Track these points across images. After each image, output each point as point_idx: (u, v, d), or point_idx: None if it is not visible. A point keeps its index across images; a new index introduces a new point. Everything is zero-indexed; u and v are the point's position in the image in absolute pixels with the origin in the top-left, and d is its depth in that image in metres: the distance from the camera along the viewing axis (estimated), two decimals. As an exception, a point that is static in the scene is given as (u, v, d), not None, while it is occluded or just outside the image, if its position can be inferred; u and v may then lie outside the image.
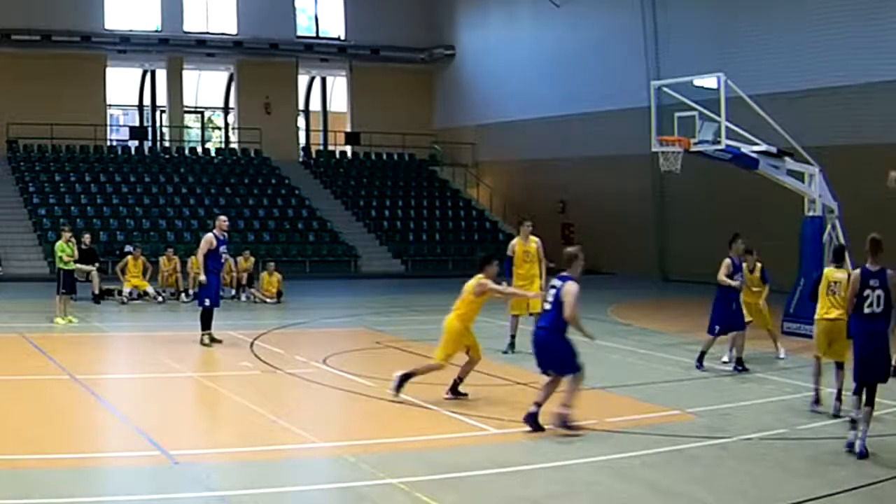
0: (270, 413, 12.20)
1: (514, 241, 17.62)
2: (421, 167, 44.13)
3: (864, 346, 10.54)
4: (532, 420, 11.27)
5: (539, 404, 11.36)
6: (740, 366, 15.69)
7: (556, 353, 11.53)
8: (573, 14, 37.34)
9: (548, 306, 11.64)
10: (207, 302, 17.66)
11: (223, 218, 18.49)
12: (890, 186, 17.04)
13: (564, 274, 11.62)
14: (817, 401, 12.70)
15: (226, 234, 18.31)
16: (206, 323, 17.71)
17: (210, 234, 18.05)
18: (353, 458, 10.09)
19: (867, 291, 10.42)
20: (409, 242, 37.99)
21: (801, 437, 11.26)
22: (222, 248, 18.03)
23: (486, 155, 43.14)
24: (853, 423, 10.41)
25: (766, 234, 28.18)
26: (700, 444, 10.96)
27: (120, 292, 25.23)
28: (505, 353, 17.00)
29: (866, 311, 10.45)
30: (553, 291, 11.62)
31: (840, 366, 12.41)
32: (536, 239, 17.55)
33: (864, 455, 10.13)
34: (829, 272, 12.73)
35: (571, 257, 11.76)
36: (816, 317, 12.63)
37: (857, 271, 10.58)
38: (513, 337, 17.28)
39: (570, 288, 11.35)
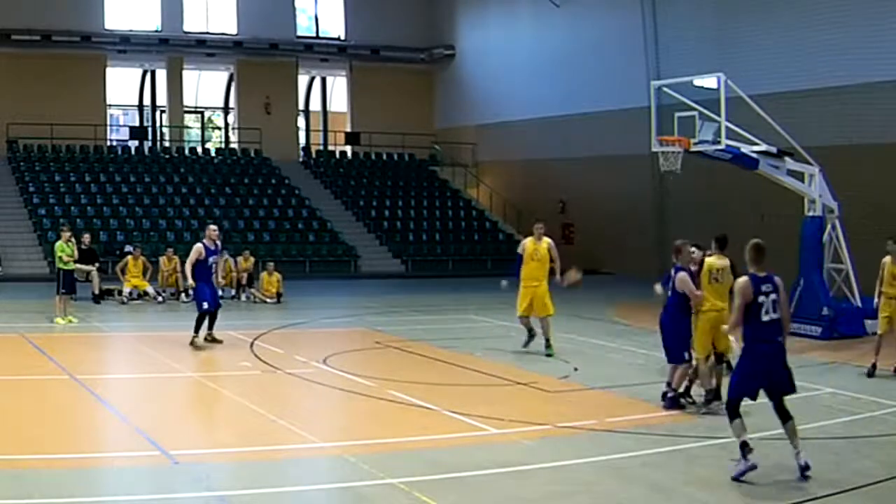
0: (270, 413, 12.20)
1: (526, 240, 17.50)
2: (421, 167, 44.10)
3: (761, 357, 9.69)
4: (670, 402, 12.65)
5: (670, 385, 12.76)
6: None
7: (667, 338, 12.79)
8: (573, 14, 37.34)
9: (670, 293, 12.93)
10: (206, 305, 17.40)
11: (213, 227, 18.16)
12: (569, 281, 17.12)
13: (677, 265, 12.78)
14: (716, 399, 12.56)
15: (217, 243, 17.95)
16: (200, 325, 17.44)
17: (199, 245, 17.69)
18: (352, 458, 10.09)
19: (761, 298, 9.68)
20: (409, 242, 37.97)
21: (801, 437, 11.24)
22: (212, 259, 17.69)
23: (486, 155, 43.13)
24: (745, 447, 9.54)
25: (765, 234, 28.25)
26: (700, 444, 10.96)
27: (120, 292, 25.23)
28: (549, 356, 16.84)
29: (764, 318, 9.63)
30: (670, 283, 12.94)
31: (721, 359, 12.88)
32: (549, 240, 17.38)
33: (807, 469, 9.51)
34: (711, 261, 12.91)
35: (677, 250, 12.92)
36: (703, 308, 12.63)
37: (746, 279, 9.81)
38: (530, 331, 17.28)
39: (682, 276, 12.57)
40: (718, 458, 10.46)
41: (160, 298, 25.15)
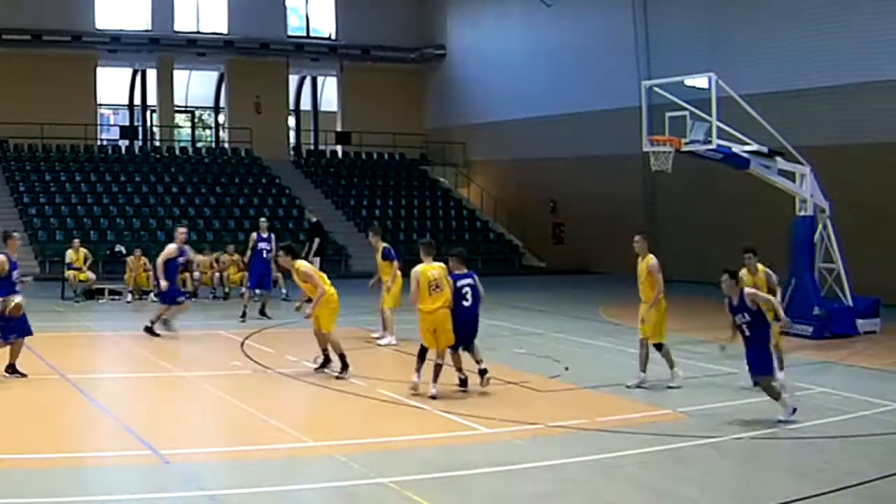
0: (261, 412, 12.19)
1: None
2: (412, 167, 44.10)
3: None
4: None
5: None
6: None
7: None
8: (564, 14, 37.32)
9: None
10: None
11: None
12: None
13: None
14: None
15: None
16: None
17: None
18: (344, 457, 10.08)
19: None
20: (399, 242, 37.87)
21: (792, 437, 11.28)
22: None
23: (476, 154, 43.13)
24: None
25: (758, 234, 28.31)
26: (692, 444, 10.96)
27: (111, 292, 25.15)
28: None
29: None
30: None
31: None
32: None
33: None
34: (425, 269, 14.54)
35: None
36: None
37: None
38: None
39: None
40: (709, 457, 10.48)
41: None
